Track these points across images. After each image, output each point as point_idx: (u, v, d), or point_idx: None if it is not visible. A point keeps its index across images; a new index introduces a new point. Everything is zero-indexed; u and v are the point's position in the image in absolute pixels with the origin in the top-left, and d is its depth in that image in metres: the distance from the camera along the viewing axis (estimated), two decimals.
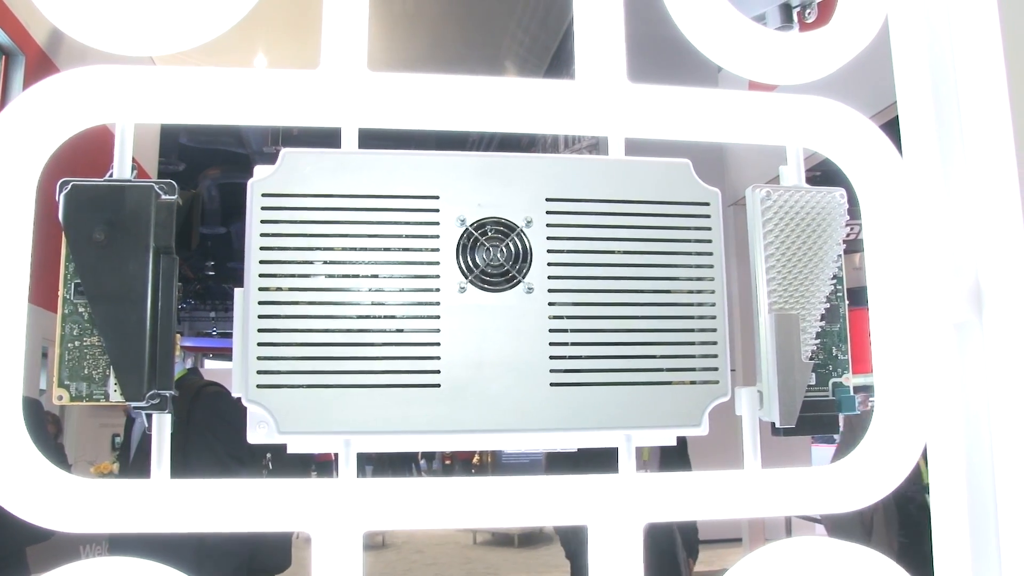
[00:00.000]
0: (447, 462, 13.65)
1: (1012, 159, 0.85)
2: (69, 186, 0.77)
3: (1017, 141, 0.85)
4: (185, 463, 1.92)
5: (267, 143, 8.64)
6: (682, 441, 2.70)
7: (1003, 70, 0.86)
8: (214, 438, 1.98)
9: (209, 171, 9.65)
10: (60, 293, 0.78)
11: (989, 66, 0.88)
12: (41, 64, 4.48)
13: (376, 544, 8.98)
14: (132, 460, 2.10)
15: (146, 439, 2.08)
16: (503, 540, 8.98)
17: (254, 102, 0.80)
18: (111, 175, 0.80)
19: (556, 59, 7.77)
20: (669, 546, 2.74)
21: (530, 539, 9.18)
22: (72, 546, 3.42)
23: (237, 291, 0.79)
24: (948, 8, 0.92)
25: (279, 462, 2.02)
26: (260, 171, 0.79)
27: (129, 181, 0.78)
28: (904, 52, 0.94)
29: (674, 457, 2.68)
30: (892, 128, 0.92)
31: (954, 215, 0.92)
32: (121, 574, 0.75)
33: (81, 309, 0.78)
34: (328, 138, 0.86)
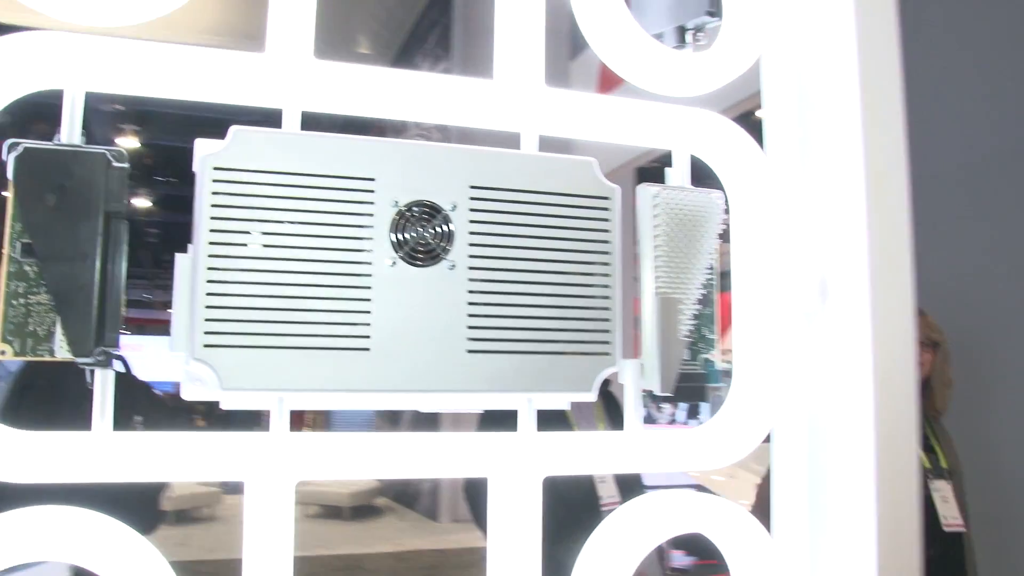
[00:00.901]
0: None
1: (860, 175, 1.02)
2: (21, 148, 0.80)
3: (865, 161, 1.02)
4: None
5: (105, 100, 8.25)
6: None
7: (858, 102, 1.02)
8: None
9: (35, 124, 9.12)
10: (5, 251, 0.81)
11: (845, 100, 1.05)
12: None
13: (205, 518, 8.82)
14: None
15: (12, 398, 2.04)
16: (333, 513, 8.98)
17: (202, 80, 0.86)
18: (58, 140, 0.84)
19: (412, 36, 7.80)
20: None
21: (361, 512, 9.23)
22: None
23: (180, 256, 0.85)
24: (813, 46, 1.08)
25: (149, 421, 2.03)
26: (205, 144, 0.86)
27: (81, 147, 0.83)
28: (771, 81, 1.10)
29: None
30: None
31: (808, 218, 1.08)
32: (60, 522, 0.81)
33: (27, 268, 0.82)
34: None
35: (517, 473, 0.95)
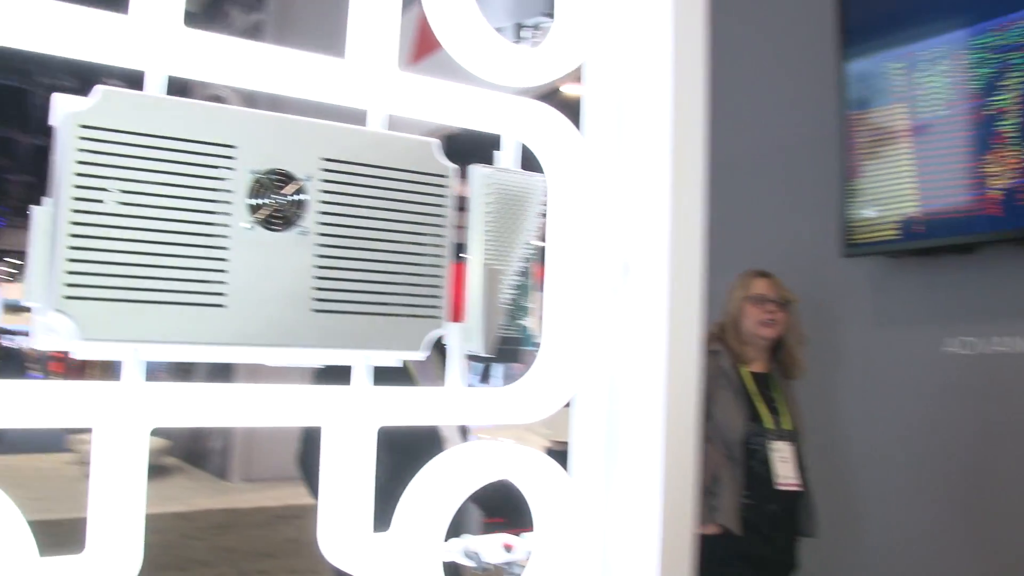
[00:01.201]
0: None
1: (666, 169, 1.20)
2: None
3: (672, 163, 1.20)
4: None
5: None
6: None
7: (669, 103, 1.20)
8: None
9: None
10: None
11: (656, 102, 1.22)
12: None
13: None
14: None
15: None
16: None
17: (68, 38, 0.90)
18: None
19: None
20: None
21: (151, 472, 8.95)
22: None
23: (37, 209, 0.90)
24: (633, 50, 1.25)
25: None
26: (67, 101, 0.90)
27: None
28: (593, 78, 1.26)
29: None
30: None
31: (618, 203, 1.25)
32: None
33: None
34: None
35: (351, 423, 1.06)
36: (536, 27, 1.15)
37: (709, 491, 2.77)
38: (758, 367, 2.99)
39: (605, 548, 1.25)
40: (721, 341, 2.98)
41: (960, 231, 3.20)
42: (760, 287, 2.97)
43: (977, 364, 3.25)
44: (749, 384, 2.94)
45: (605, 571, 1.25)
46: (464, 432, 2.28)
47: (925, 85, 3.32)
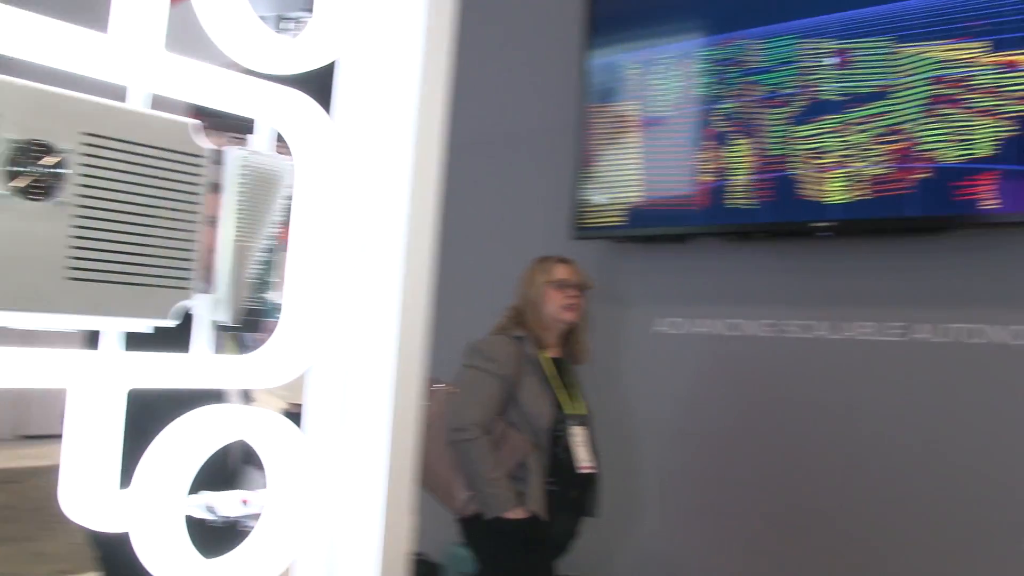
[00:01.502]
0: None
1: (408, 159, 1.37)
2: None
3: (414, 148, 1.37)
4: None
5: None
6: None
7: (416, 96, 1.37)
8: None
9: None
10: None
11: (402, 91, 1.39)
12: None
13: None
14: None
15: None
16: None
17: None
18: None
19: None
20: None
21: None
22: None
23: None
24: (384, 48, 1.41)
25: None
26: None
27: None
28: (345, 72, 1.40)
29: None
30: None
31: (360, 188, 1.41)
32: None
33: None
34: None
35: (99, 386, 1.16)
36: (297, 20, 1.28)
37: (516, 477, 2.91)
38: (554, 352, 3.14)
39: (333, 505, 1.41)
40: (523, 327, 3.10)
41: (675, 222, 3.62)
42: (562, 272, 3.12)
43: (681, 343, 3.70)
44: (549, 370, 3.08)
45: (332, 525, 1.41)
46: (246, 393, 2.37)
47: (656, 85, 3.70)
